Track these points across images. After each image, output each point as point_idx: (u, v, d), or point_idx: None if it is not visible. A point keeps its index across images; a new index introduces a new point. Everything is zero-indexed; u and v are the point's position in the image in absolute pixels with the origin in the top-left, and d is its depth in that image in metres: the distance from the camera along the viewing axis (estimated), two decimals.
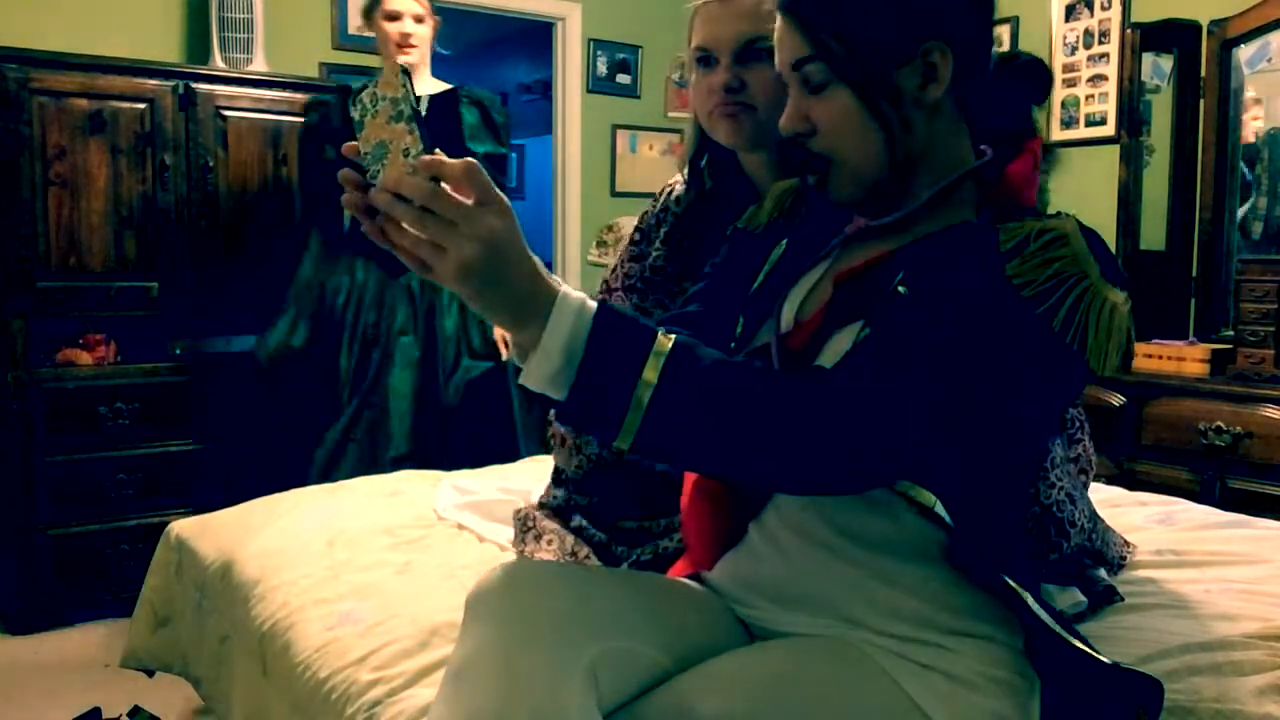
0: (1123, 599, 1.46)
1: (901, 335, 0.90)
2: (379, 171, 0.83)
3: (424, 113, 3.00)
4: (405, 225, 0.82)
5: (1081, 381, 0.96)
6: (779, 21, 1.03)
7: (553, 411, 0.89)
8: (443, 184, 0.81)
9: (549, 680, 0.85)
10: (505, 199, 0.83)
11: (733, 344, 1.10)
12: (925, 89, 0.98)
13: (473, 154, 3.15)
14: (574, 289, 0.87)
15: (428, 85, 3.09)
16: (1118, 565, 1.56)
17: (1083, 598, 1.42)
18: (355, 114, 0.86)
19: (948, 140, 1.02)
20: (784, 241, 1.15)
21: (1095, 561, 1.51)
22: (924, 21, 0.97)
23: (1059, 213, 0.96)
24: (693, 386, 0.86)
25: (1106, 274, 0.91)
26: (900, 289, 0.94)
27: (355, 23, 3.65)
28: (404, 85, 0.83)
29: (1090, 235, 0.94)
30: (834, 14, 0.98)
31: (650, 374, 0.84)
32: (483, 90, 3.20)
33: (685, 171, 1.54)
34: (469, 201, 0.81)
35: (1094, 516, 1.53)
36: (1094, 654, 0.96)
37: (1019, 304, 0.88)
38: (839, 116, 0.99)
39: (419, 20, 2.94)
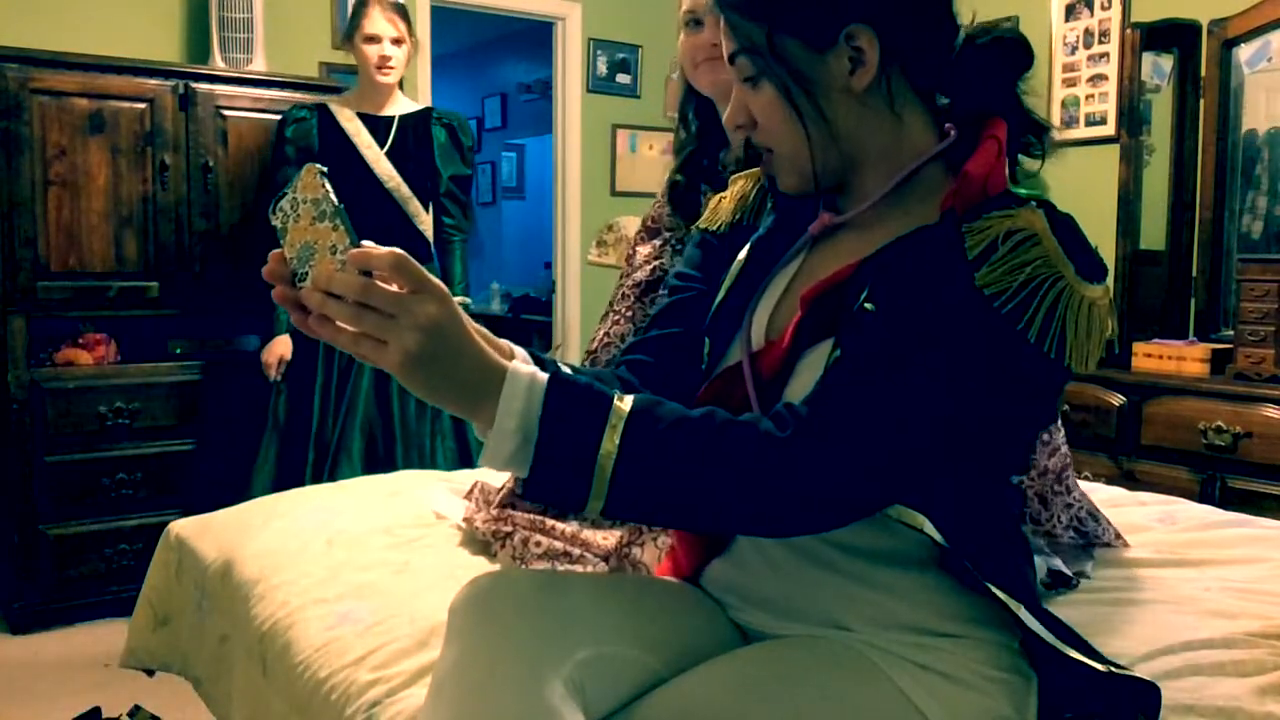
0: (1078, 583, 1.50)
1: (873, 369, 0.88)
2: (307, 274, 0.82)
3: (392, 132, 3.05)
4: (341, 323, 0.80)
5: (1064, 381, 0.93)
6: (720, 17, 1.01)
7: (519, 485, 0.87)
8: (374, 275, 0.79)
9: (528, 692, 0.84)
10: (441, 284, 0.81)
11: (704, 365, 1.08)
12: (854, 75, 0.95)
13: (439, 173, 3.30)
14: (522, 357, 0.86)
15: (400, 105, 3.13)
16: (1096, 542, 1.60)
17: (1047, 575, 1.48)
18: (276, 222, 0.84)
19: (897, 127, 0.99)
20: (747, 247, 1.11)
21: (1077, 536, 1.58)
22: (843, 4, 0.94)
23: (1029, 200, 0.93)
24: (656, 452, 0.84)
25: (1082, 269, 0.88)
26: (867, 305, 0.92)
27: None
28: (323, 185, 0.82)
29: (1062, 226, 0.90)
30: (755, 6, 0.96)
31: (609, 444, 0.83)
32: (453, 111, 3.26)
33: (676, 121, 1.75)
34: (403, 291, 0.79)
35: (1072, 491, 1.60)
36: (1089, 662, 0.95)
37: (993, 317, 0.86)
38: (768, 109, 0.98)
39: (397, 42, 2.99)
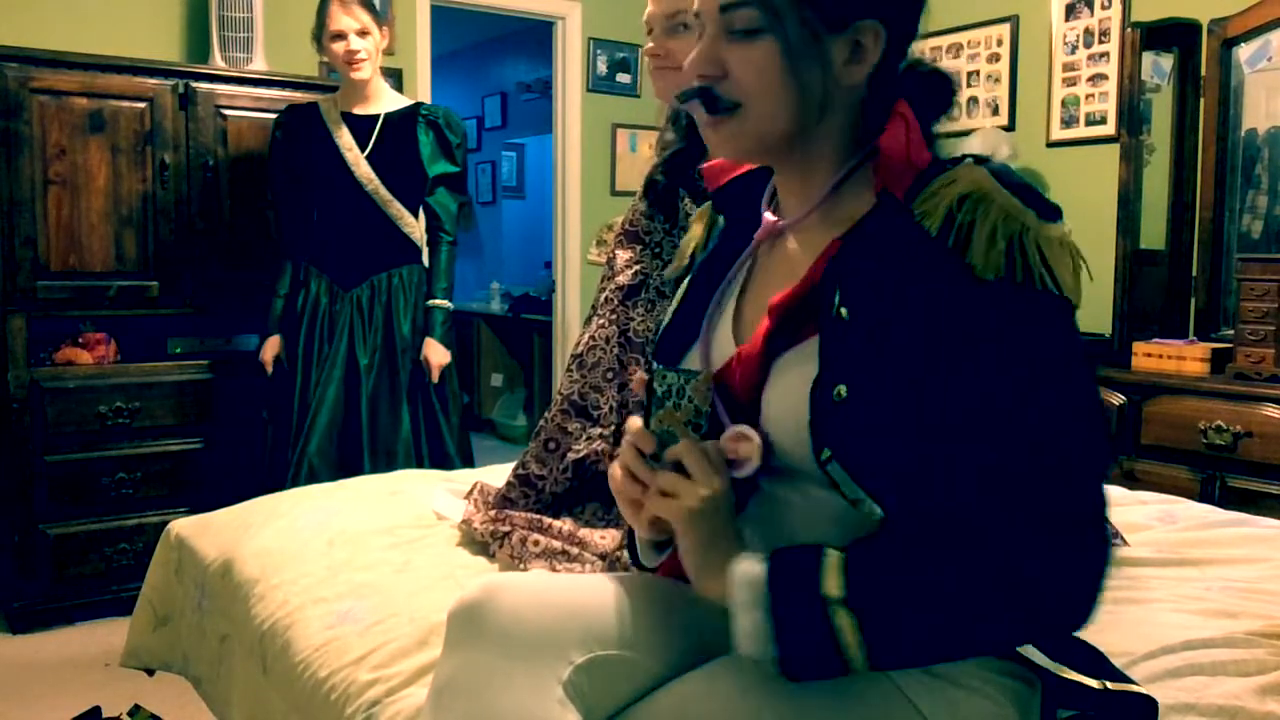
0: None
1: (942, 426, 0.85)
2: (661, 455, 0.96)
3: (375, 133, 3.02)
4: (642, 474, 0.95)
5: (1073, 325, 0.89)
6: None
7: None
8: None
9: (527, 698, 0.85)
10: (727, 482, 0.93)
11: None
12: (848, 66, 0.94)
13: (425, 174, 3.25)
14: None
15: (386, 102, 3.08)
16: None
17: None
18: (658, 389, 0.96)
19: (853, 124, 0.97)
20: (691, 272, 1.12)
21: None
22: None
23: (960, 157, 0.92)
24: (884, 571, 0.85)
25: (1042, 213, 0.87)
26: (842, 311, 0.90)
27: None
28: (710, 403, 0.95)
29: (1005, 177, 0.89)
30: None
31: (833, 587, 0.85)
32: (441, 108, 3.18)
33: (665, 121, 1.72)
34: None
35: None
36: (1085, 680, 0.94)
37: (987, 293, 0.85)
38: (760, 67, 0.94)
39: (362, 34, 2.94)
